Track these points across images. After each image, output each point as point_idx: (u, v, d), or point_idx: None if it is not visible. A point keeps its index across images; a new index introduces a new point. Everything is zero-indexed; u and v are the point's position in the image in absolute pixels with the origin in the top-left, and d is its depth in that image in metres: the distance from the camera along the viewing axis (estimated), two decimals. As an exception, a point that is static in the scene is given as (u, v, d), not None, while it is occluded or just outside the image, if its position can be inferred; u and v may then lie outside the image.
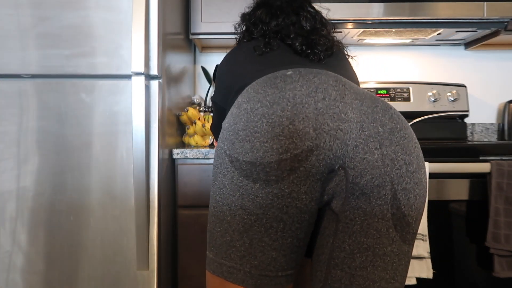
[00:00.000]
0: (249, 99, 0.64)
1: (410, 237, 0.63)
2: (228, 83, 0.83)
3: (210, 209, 0.67)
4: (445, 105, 1.69)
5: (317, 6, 0.96)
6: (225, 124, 0.66)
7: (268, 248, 0.61)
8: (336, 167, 0.61)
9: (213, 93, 0.93)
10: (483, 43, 1.67)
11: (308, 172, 0.60)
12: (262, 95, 0.63)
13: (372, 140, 0.60)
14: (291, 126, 0.59)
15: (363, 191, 0.60)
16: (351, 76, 0.84)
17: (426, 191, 0.65)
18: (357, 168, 0.60)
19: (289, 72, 0.66)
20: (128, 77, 1.10)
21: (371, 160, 0.59)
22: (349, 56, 0.95)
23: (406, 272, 0.65)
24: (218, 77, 0.89)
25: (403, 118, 0.65)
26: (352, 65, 0.93)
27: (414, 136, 0.65)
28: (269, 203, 0.60)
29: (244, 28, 0.94)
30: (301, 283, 1.03)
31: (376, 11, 1.46)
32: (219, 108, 0.90)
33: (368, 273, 0.61)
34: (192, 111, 1.40)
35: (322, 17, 0.91)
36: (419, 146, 0.66)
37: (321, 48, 0.83)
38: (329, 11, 1.42)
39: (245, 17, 0.95)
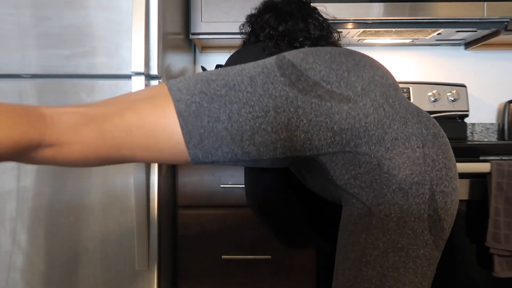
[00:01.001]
0: (326, 50, 0.66)
1: (442, 243, 0.62)
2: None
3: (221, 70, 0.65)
4: (445, 105, 1.69)
5: (322, 11, 0.97)
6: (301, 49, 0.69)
7: (226, 111, 0.58)
8: (365, 151, 0.59)
9: None
10: (483, 43, 1.67)
11: (331, 112, 0.58)
12: (335, 48, 0.66)
13: (415, 139, 0.59)
14: (346, 73, 0.61)
15: (401, 185, 0.58)
16: None
17: (458, 199, 0.64)
18: (394, 160, 0.58)
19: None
20: (128, 77, 1.10)
21: (413, 157, 0.58)
22: None
23: (431, 280, 0.63)
24: None
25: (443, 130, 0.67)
26: None
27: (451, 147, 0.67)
28: (276, 95, 0.58)
29: (249, 29, 0.94)
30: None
31: (376, 11, 1.46)
32: None
33: (400, 274, 0.59)
34: (192, 111, 1.40)
35: (329, 25, 0.92)
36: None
37: None
38: (329, 11, 1.42)
39: (251, 19, 0.95)
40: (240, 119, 0.58)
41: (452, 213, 0.61)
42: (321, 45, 0.86)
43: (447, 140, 0.64)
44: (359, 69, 0.62)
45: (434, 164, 0.59)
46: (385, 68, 0.67)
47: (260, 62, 0.63)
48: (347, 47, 0.96)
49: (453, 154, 0.64)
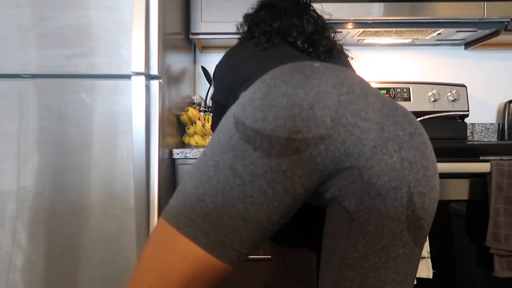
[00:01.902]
0: (274, 77, 0.62)
1: (421, 240, 0.63)
2: (230, 80, 0.83)
3: (196, 162, 0.64)
4: (445, 105, 1.69)
5: (318, 8, 0.97)
6: (243, 92, 0.65)
7: (237, 216, 0.59)
8: (347, 166, 0.60)
9: (212, 93, 0.93)
10: (483, 43, 1.67)
11: (312, 158, 0.59)
12: (288, 77, 0.62)
13: (391, 143, 0.59)
14: (310, 111, 0.58)
15: (380, 192, 0.59)
16: None
17: (438, 197, 0.65)
18: (374, 169, 0.59)
19: (317, 64, 0.65)
20: (128, 77, 1.10)
21: (390, 162, 0.59)
22: (350, 57, 0.95)
23: (415, 275, 0.65)
24: (218, 75, 0.89)
25: (420, 125, 0.65)
26: (353, 67, 0.93)
27: (430, 142, 0.65)
28: (261, 173, 0.58)
29: (246, 28, 0.95)
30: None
31: (376, 11, 1.46)
32: (220, 107, 0.90)
33: (380, 274, 0.61)
34: (192, 111, 1.40)
35: (324, 21, 0.92)
36: (434, 153, 0.66)
37: (322, 49, 0.84)
38: (329, 11, 1.42)
39: (247, 18, 0.95)
40: (252, 214, 0.59)
41: (431, 211, 0.63)
42: (315, 40, 0.86)
43: (425, 138, 0.64)
44: (321, 99, 0.59)
45: (411, 167, 0.60)
46: (349, 74, 0.64)
47: (224, 142, 0.61)
48: (347, 47, 0.97)
49: (430, 152, 0.63)
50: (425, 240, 0.64)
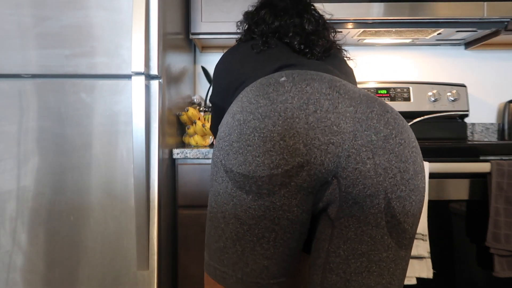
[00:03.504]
0: (242, 109, 0.63)
1: (406, 242, 0.63)
2: (226, 82, 0.83)
3: (208, 213, 0.68)
4: (445, 105, 1.69)
5: (319, 8, 0.97)
6: (220, 133, 0.66)
7: (259, 257, 0.62)
8: (330, 178, 0.62)
9: (210, 94, 0.93)
10: (483, 43, 1.67)
11: (299, 187, 0.60)
12: (254, 106, 0.62)
13: (364, 150, 0.59)
14: (282, 142, 0.59)
15: (356, 200, 0.60)
16: (347, 75, 0.84)
17: (423, 196, 0.64)
18: (349, 178, 0.60)
19: (283, 78, 0.64)
20: (128, 77, 1.10)
21: (363, 170, 0.59)
22: (348, 58, 0.95)
23: (404, 276, 0.65)
24: (215, 77, 0.89)
25: (401, 122, 0.64)
26: (350, 66, 0.93)
27: (412, 140, 0.64)
28: (261, 214, 0.60)
29: (246, 27, 0.94)
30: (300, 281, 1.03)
31: (376, 11, 1.46)
32: (218, 108, 0.90)
33: (364, 278, 0.61)
34: (192, 111, 1.40)
35: (325, 21, 0.92)
36: (418, 150, 0.65)
37: (319, 49, 0.83)
38: (330, 11, 1.42)
39: (248, 16, 0.95)
40: (272, 251, 0.63)
41: (413, 213, 0.62)
42: (312, 40, 0.85)
43: (404, 137, 0.62)
44: (290, 126, 0.59)
45: (386, 172, 0.60)
46: (316, 85, 0.63)
47: (223, 192, 0.64)
48: (347, 47, 0.96)
49: (411, 152, 0.62)
50: (412, 241, 0.64)
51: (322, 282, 0.64)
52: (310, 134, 0.59)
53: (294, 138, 0.59)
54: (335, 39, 0.93)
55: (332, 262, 0.63)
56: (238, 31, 0.98)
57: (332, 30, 0.93)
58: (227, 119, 0.66)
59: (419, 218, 0.65)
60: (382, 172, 0.60)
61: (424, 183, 0.65)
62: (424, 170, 0.65)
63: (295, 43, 0.84)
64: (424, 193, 0.65)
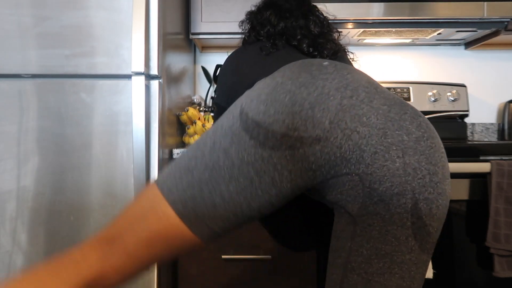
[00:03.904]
0: (283, 75, 0.64)
1: (429, 247, 0.62)
2: (233, 83, 0.83)
3: (198, 139, 0.67)
4: (445, 105, 1.69)
5: (321, 7, 0.97)
6: (253, 87, 0.66)
7: (218, 194, 0.60)
8: (345, 172, 0.60)
9: (215, 95, 0.93)
10: (483, 43, 1.67)
11: (305, 157, 0.59)
12: (295, 75, 0.63)
13: (394, 148, 0.59)
14: (310, 111, 0.59)
15: (382, 197, 0.59)
16: None
17: (448, 202, 0.64)
18: (375, 174, 0.58)
19: (326, 63, 0.65)
20: (128, 77, 1.10)
21: (392, 168, 0.58)
22: (351, 59, 0.95)
23: (422, 281, 0.64)
24: (221, 78, 0.89)
25: (432, 127, 0.64)
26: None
27: (442, 146, 0.64)
28: (252, 160, 0.59)
29: (249, 26, 0.94)
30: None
31: (376, 11, 1.46)
32: (222, 110, 0.89)
33: (385, 280, 0.60)
34: (192, 111, 1.40)
35: (329, 23, 0.92)
36: (446, 156, 0.65)
37: (327, 52, 0.84)
38: (330, 11, 1.42)
39: (251, 16, 0.95)
40: (232, 195, 0.61)
41: (439, 217, 0.61)
42: (320, 43, 0.85)
43: (435, 142, 0.62)
44: (323, 100, 0.60)
45: (415, 172, 0.59)
46: (355, 77, 0.64)
47: (226, 127, 0.63)
48: (352, 52, 0.97)
49: (441, 156, 0.62)
50: (433, 246, 0.63)
51: (342, 281, 0.63)
52: (339, 115, 0.59)
53: (322, 112, 0.59)
54: (339, 39, 0.93)
55: (354, 261, 0.62)
56: (240, 31, 0.98)
57: (336, 31, 0.93)
58: (266, 79, 0.66)
59: (443, 223, 0.64)
60: (411, 171, 0.59)
61: (451, 189, 0.65)
62: (450, 176, 0.65)
63: (304, 45, 0.84)
64: (449, 199, 0.64)
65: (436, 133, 0.65)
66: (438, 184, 0.60)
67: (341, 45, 0.90)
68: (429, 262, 0.64)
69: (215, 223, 0.62)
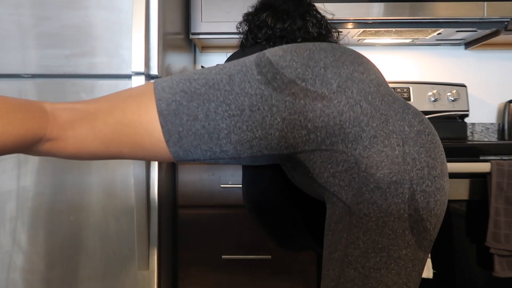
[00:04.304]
0: (307, 42, 0.68)
1: (426, 244, 0.61)
2: None
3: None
4: (445, 105, 1.69)
5: (320, 6, 0.96)
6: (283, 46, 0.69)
7: (204, 109, 0.60)
8: (341, 149, 0.59)
9: None
10: (483, 43, 1.67)
11: (305, 110, 0.59)
12: (318, 44, 0.66)
13: (395, 136, 0.58)
14: (322, 70, 0.61)
15: (379, 184, 0.58)
16: None
17: (447, 200, 0.63)
18: (372, 159, 0.58)
19: (345, 47, 0.69)
20: (128, 77, 1.10)
21: (391, 155, 0.58)
22: None
23: (419, 280, 0.63)
24: None
25: (433, 128, 0.64)
26: None
27: (441, 144, 0.64)
28: (251, 93, 0.60)
29: (246, 28, 0.94)
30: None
31: (376, 11, 1.46)
32: None
33: (382, 275, 0.59)
34: (192, 111, 1.40)
35: (327, 22, 0.91)
36: (445, 155, 0.64)
37: None
38: (330, 11, 1.42)
39: (248, 18, 0.94)
40: (217, 118, 0.60)
41: (436, 213, 0.60)
42: None
43: (435, 138, 0.62)
44: (337, 66, 0.62)
45: (414, 163, 0.58)
46: (370, 64, 0.67)
47: (241, 60, 0.65)
48: (346, 46, 0.96)
49: (440, 153, 0.62)
50: (431, 244, 0.62)
51: (339, 277, 0.61)
52: (348, 83, 0.60)
53: (333, 75, 0.61)
54: (339, 40, 0.93)
55: (350, 255, 0.60)
56: (239, 31, 0.98)
57: (335, 31, 0.92)
58: (298, 45, 0.68)
59: (441, 221, 0.63)
60: (410, 161, 0.58)
61: (449, 188, 0.64)
62: (448, 175, 0.64)
63: None
64: (447, 197, 0.63)
65: (436, 133, 0.65)
66: (436, 178, 0.60)
67: (340, 45, 0.90)
68: (426, 261, 0.63)
69: (187, 136, 0.61)
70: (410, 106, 0.63)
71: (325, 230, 0.66)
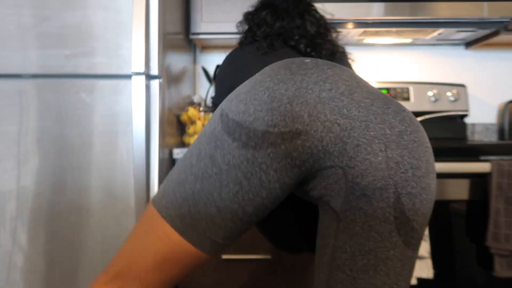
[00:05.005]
0: (263, 73, 0.64)
1: (414, 242, 0.61)
2: (231, 84, 0.83)
3: (186, 151, 0.68)
4: (445, 105, 1.69)
5: (319, 8, 0.97)
6: (234, 89, 0.67)
7: (212, 204, 0.60)
8: (329, 164, 0.59)
9: (213, 96, 0.93)
10: (483, 43, 1.67)
11: (288, 154, 0.59)
12: (274, 73, 0.63)
13: (377, 142, 0.58)
14: (288, 106, 0.59)
15: (364, 192, 0.59)
16: None
17: (434, 196, 0.63)
18: (357, 168, 0.58)
19: (307, 60, 0.66)
20: (128, 77, 1.10)
21: (374, 162, 0.58)
22: (351, 60, 0.95)
23: (410, 277, 0.63)
24: (219, 79, 0.89)
25: (417, 122, 0.63)
26: (354, 69, 0.93)
27: (426, 141, 0.63)
28: (237, 163, 0.59)
29: (246, 27, 0.94)
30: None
31: (376, 11, 1.46)
32: None
33: (370, 277, 0.60)
34: (192, 111, 1.40)
35: (326, 22, 0.91)
36: (431, 150, 0.64)
37: (325, 52, 0.83)
38: (330, 11, 1.42)
39: (248, 17, 0.94)
40: (226, 203, 0.60)
41: (423, 212, 0.61)
42: (318, 44, 0.85)
43: (418, 136, 0.62)
44: (302, 94, 0.59)
45: (398, 167, 0.58)
46: (337, 74, 0.63)
47: (209, 132, 0.63)
48: (347, 47, 0.96)
49: (425, 151, 0.62)
50: (419, 242, 0.63)
51: (328, 280, 0.62)
52: (318, 107, 0.59)
53: (301, 106, 0.59)
54: (338, 39, 0.93)
55: (338, 259, 0.61)
56: (239, 30, 0.98)
57: (334, 31, 0.92)
58: (245, 81, 0.67)
59: (428, 219, 0.63)
60: (393, 165, 0.58)
61: (435, 184, 0.64)
62: (435, 171, 0.64)
63: (301, 46, 0.83)
64: (435, 194, 0.63)
65: (421, 127, 0.64)
66: (421, 178, 0.60)
67: (339, 45, 0.90)
68: (416, 258, 0.64)
69: (215, 234, 0.62)
70: (391, 103, 0.62)
71: (317, 233, 0.67)
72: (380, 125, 0.59)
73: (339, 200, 0.61)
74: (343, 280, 0.61)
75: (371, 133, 0.58)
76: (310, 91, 0.60)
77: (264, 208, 0.63)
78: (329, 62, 0.66)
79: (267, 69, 0.65)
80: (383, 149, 0.58)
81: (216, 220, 0.61)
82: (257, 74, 0.65)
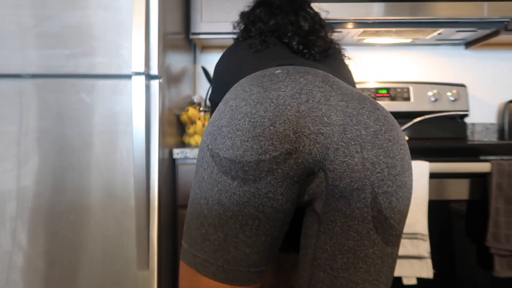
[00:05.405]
0: (236, 97, 0.64)
1: (393, 239, 0.63)
2: (225, 81, 0.83)
3: (190, 200, 0.67)
4: (445, 105, 1.69)
5: (316, 6, 0.97)
6: (211, 119, 0.66)
7: (242, 244, 0.61)
8: (316, 169, 0.61)
9: (210, 93, 0.93)
10: (483, 43, 1.67)
11: (286, 175, 0.60)
12: (248, 94, 0.63)
13: (353, 143, 0.60)
14: (272, 128, 0.59)
15: (343, 194, 0.60)
16: (346, 77, 0.84)
17: (410, 193, 0.65)
18: (336, 171, 0.60)
19: (278, 71, 0.65)
20: (128, 77, 1.10)
21: (351, 164, 0.59)
22: (346, 57, 0.94)
23: (392, 273, 0.65)
24: (215, 76, 0.89)
25: (391, 120, 0.64)
26: (349, 66, 0.93)
27: (401, 138, 0.64)
28: (245, 201, 0.60)
29: (242, 26, 0.94)
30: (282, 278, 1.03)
31: (376, 11, 1.46)
32: (216, 107, 0.90)
33: (350, 274, 0.62)
34: (192, 111, 1.40)
35: (320, 18, 0.91)
36: (407, 147, 0.65)
37: (317, 49, 0.83)
38: (329, 12, 1.42)
39: (244, 16, 0.95)
40: (254, 239, 0.61)
41: (400, 209, 0.62)
42: (310, 40, 0.85)
43: (393, 134, 0.63)
44: (281, 112, 0.59)
45: (373, 167, 0.60)
46: (311, 83, 0.63)
47: (207, 177, 0.63)
48: (346, 47, 0.96)
49: (400, 149, 0.63)
50: (399, 238, 0.64)
51: (310, 279, 0.64)
52: (300, 122, 0.59)
53: (284, 125, 0.59)
54: (333, 38, 0.93)
55: (319, 258, 0.63)
56: (235, 30, 0.98)
57: (330, 28, 0.92)
58: (219, 106, 0.66)
59: (406, 215, 0.65)
60: (369, 166, 0.60)
61: (412, 180, 0.65)
62: (411, 168, 0.65)
63: (294, 43, 0.83)
64: (411, 190, 0.65)
65: (396, 124, 0.65)
66: (397, 177, 0.61)
67: (333, 42, 0.90)
68: (396, 254, 0.65)
69: (258, 266, 0.63)
70: (365, 102, 0.63)
71: (301, 233, 0.69)
72: (355, 127, 0.60)
73: (320, 202, 0.63)
74: (324, 279, 0.63)
75: (348, 136, 0.60)
76: (288, 107, 0.60)
77: (286, 225, 0.65)
78: (300, 69, 0.66)
79: (238, 89, 0.64)
80: (359, 150, 0.60)
81: (252, 256, 0.62)
82: (228, 97, 0.65)
